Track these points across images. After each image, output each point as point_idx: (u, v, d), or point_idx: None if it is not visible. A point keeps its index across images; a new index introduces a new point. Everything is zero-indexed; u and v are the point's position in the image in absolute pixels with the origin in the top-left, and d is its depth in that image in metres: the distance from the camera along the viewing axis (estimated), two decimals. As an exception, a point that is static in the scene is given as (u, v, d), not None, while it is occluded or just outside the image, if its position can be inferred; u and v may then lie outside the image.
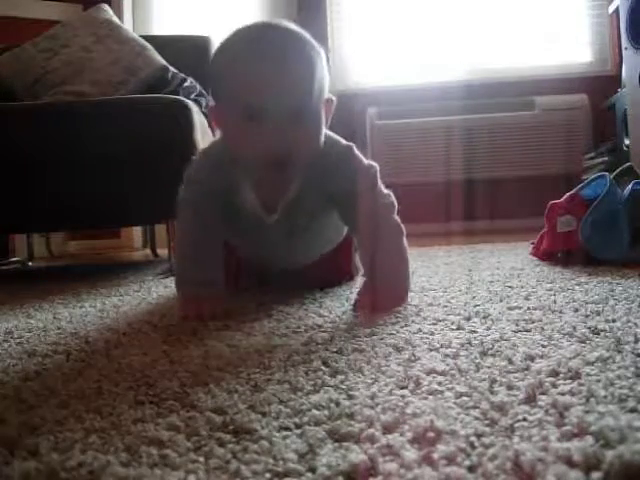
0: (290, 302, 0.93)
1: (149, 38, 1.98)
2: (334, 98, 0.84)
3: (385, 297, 0.80)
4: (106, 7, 2.04)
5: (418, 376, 0.47)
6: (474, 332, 0.63)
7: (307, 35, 0.79)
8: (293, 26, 0.80)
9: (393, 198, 0.89)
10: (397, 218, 0.87)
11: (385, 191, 0.90)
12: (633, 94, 2.41)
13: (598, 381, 0.43)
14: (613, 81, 3.01)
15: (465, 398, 0.41)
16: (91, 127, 1.52)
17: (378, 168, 0.90)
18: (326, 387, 0.46)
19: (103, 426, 0.40)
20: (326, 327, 0.70)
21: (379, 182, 0.89)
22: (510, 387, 0.43)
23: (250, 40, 0.77)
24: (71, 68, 1.81)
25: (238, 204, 0.90)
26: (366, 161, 0.90)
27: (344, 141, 0.90)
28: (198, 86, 1.94)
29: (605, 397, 0.39)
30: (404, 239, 0.86)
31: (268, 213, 0.89)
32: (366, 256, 0.87)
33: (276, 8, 3.45)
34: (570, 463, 0.30)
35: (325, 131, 0.85)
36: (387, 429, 0.37)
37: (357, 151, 0.89)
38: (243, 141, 0.78)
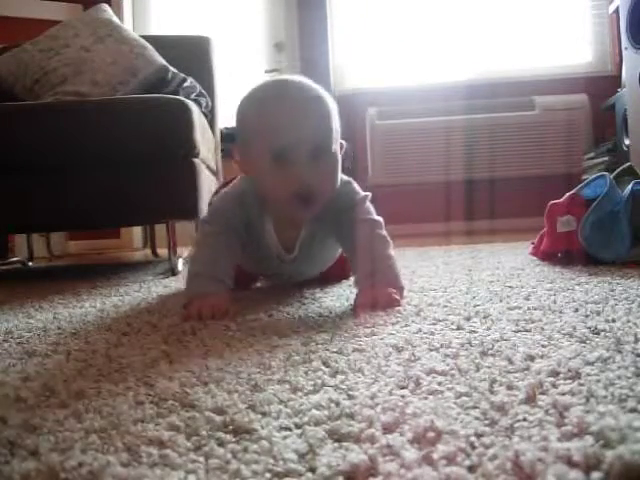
0: (290, 302, 0.93)
1: (149, 38, 1.98)
2: (344, 143, 0.91)
3: (382, 295, 0.82)
4: (106, 7, 2.04)
5: (418, 376, 0.47)
6: (474, 332, 0.63)
7: (319, 87, 0.88)
8: (308, 80, 0.89)
9: (381, 219, 0.96)
10: (385, 233, 0.94)
11: (374, 213, 0.97)
12: (633, 94, 2.41)
13: (598, 381, 0.43)
14: (613, 81, 3.01)
15: (465, 398, 0.41)
16: (91, 127, 1.52)
17: (370, 196, 0.98)
18: (326, 387, 0.46)
19: (103, 426, 0.40)
20: (326, 327, 0.70)
21: (369, 203, 0.97)
22: (510, 387, 0.43)
23: (274, 91, 0.87)
24: (71, 68, 1.81)
25: (258, 243, 0.97)
26: (362, 191, 0.98)
27: (345, 176, 0.98)
28: (198, 86, 1.94)
29: (605, 397, 0.39)
30: (391, 249, 0.93)
31: (287, 253, 0.98)
32: (359, 262, 0.90)
33: (276, 8, 3.45)
34: (570, 463, 0.30)
35: None
36: (387, 429, 0.37)
37: (355, 184, 0.98)
38: (271, 180, 0.85)
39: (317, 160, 0.83)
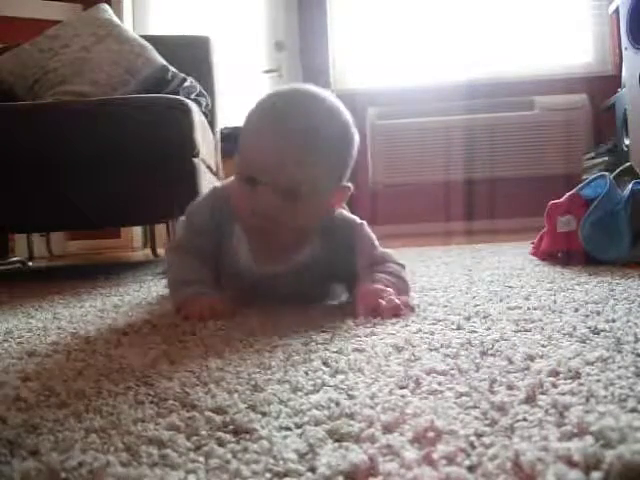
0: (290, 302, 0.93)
1: (149, 38, 1.98)
2: (351, 186, 0.83)
3: (386, 299, 0.76)
4: (106, 7, 2.04)
5: (418, 376, 0.47)
6: (474, 332, 0.63)
7: (343, 119, 0.79)
8: (331, 104, 0.79)
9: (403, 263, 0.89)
10: (406, 274, 0.88)
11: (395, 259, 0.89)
12: (633, 94, 2.41)
13: (598, 381, 0.43)
14: (613, 81, 3.01)
15: (465, 398, 0.41)
16: (91, 127, 1.52)
17: (386, 252, 0.90)
18: (326, 387, 0.46)
19: (103, 426, 0.40)
20: (326, 327, 0.70)
21: (387, 258, 0.88)
22: (510, 387, 0.43)
23: (272, 112, 0.78)
24: (71, 68, 1.81)
25: (228, 252, 0.89)
26: (373, 239, 0.90)
27: (357, 219, 0.90)
28: (198, 86, 1.94)
29: (605, 397, 0.39)
30: (405, 272, 0.87)
31: (263, 264, 0.87)
32: (360, 260, 0.85)
33: (276, 8, 3.45)
34: (570, 463, 0.30)
35: (340, 211, 0.88)
36: (387, 429, 0.37)
37: (367, 228, 0.90)
38: (239, 199, 0.81)
39: (289, 201, 0.76)
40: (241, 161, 0.81)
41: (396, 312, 0.74)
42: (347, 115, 0.81)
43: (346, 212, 0.92)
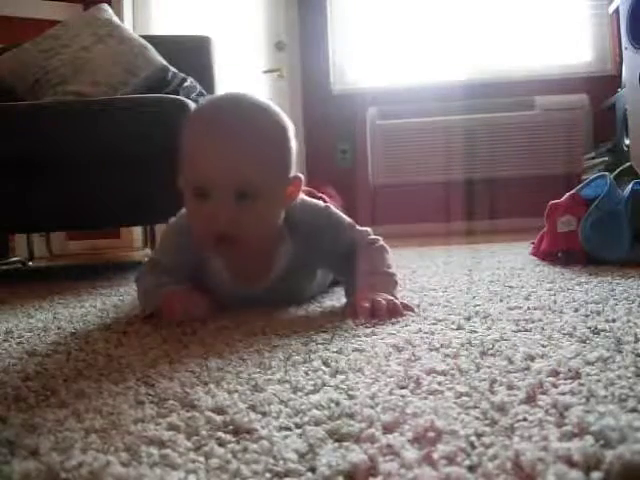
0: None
1: (149, 38, 1.98)
2: (301, 176, 0.83)
3: (386, 301, 0.76)
4: (106, 7, 2.04)
5: (418, 376, 0.47)
6: (474, 332, 0.63)
7: (273, 111, 0.79)
8: (258, 101, 0.79)
9: (383, 242, 0.90)
10: (390, 261, 0.87)
11: (375, 237, 0.90)
12: (633, 94, 2.41)
13: (598, 381, 0.43)
14: (613, 81, 3.01)
15: (465, 398, 0.41)
16: (91, 127, 1.52)
17: (369, 230, 0.91)
18: (326, 387, 0.46)
19: (103, 426, 0.40)
20: (326, 327, 0.70)
21: (367, 235, 0.90)
22: (510, 387, 0.43)
23: (207, 117, 0.79)
24: (71, 68, 1.81)
25: (208, 274, 0.88)
26: (346, 218, 0.90)
27: (320, 204, 0.90)
28: (198, 86, 1.93)
29: (605, 397, 0.39)
30: (388, 255, 0.88)
31: (246, 285, 0.87)
32: (359, 262, 0.85)
33: (276, 8, 3.45)
34: (570, 463, 0.30)
35: (301, 201, 0.86)
36: (387, 429, 0.37)
37: (334, 209, 0.90)
38: (192, 216, 0.80)
39: (243, 201, 0.74)
40: (187, 178, 0.78)
41: (396, 314, 0.74)
42: (275, 106, 0.81)
43: (307, 198, 0.90)
